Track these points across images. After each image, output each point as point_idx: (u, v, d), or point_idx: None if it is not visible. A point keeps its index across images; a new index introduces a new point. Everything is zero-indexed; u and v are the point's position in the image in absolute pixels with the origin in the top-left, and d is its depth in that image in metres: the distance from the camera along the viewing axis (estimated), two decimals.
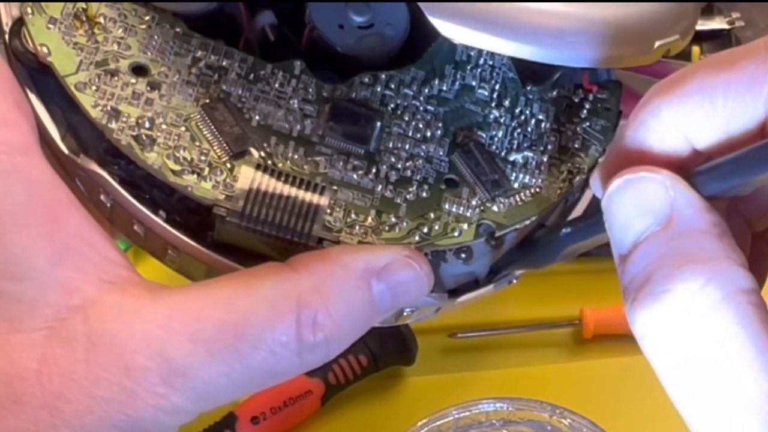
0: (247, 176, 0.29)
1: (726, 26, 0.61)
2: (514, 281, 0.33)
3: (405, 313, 0.31)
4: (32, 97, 0.30)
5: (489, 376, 0.54)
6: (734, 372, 0.22)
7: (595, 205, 0.32)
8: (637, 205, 0.24)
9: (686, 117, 0.25)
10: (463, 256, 0.32)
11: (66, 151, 0.29)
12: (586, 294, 0.54)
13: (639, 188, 0.24)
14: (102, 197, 0.30)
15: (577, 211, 0.35)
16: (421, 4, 0.28)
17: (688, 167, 0.25)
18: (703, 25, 0.61)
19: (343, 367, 0.51)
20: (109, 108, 0.29)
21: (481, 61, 0.34)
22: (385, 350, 0.52)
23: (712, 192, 0.24)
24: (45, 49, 0.29)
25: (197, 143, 0.29)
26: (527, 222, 0.31)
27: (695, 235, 0.23)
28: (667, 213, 0.24)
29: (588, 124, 0.33)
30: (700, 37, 0.61)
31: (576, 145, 0.33)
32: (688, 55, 0.60)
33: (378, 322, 0.30)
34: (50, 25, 0.30)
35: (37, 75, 0.30)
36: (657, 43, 0.30)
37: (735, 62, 0.24)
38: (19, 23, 0.30)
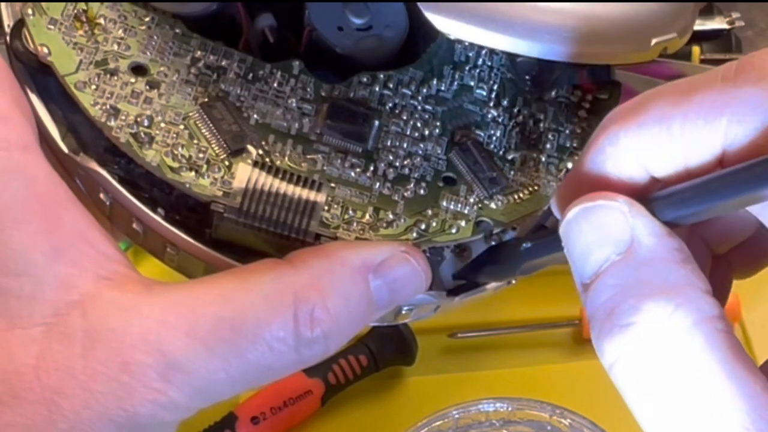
0: (244, 173, 0.29)
1: (726, 26, 0.61)
2: (514, 281, 0.33)
3: (404, 311, 0.31)
4: (33, 96, 0.30)
5: (489, 376, 0.54)
6: (706, 401, 0.22)
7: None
8: (596, 234, 0.24)
9: (643, 146, 0.24)
10: (462, 255, 0.32)
11: (66, 150, 0.29)
12: None
13: (597, 216, 0.24)
14: (101, 196, 0.30)
15: None
16: (420, 4, 0.28)
17: (646, 194, 0.24)
18: (703, 25, 0.61)
19: (343, 367, 0.51)
20: (108, 107, 0.29)
21: (480, 61, 0.34)
22: (385, 350, 0.52)
23: (669, 218, 0.23)
24: (45, 49, 0.30)
25: (195, 141, 0.29)
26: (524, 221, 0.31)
27: (657, 262, 0.23)
28: (627, 241, 0.23)
29: (586, 123, 0.33)
30: (700, 37, 0.61)
31: (575, 144, 0.33)
32: (688, 55, 0.60)
33: (377, 320, 0.30)
34: (51, 26, 0.30)
35: (38, 75, 0.30)
36: (654, 41, 0.30)
37: (692, 93, 0.23)
38: (20, 24, 0.30)
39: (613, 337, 0.23)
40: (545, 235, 0.27)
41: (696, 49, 0.61)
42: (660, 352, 0.22)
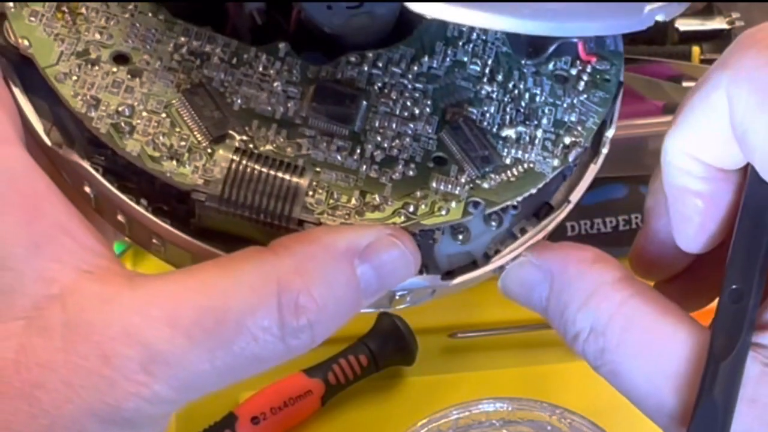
0: (225, 160, 0.28)
1: (726, 26, 0.61)
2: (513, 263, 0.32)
3: (398, 297, 0.30)
4: (17, 91, 0.30)
5: (489, 376, 0.54)
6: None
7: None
8: (520, 287, 0.31)
9: None
10: (460, 237, 0.31)
11: (49, 143, 0.29)
12: None
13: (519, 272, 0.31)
14: (86, 188, 0.29)
15: (583, 186, 0.33)
16: None
17: None
18: (703, 25, 0.61)
19: (343, 367, 0.51)
20: (89, 97, 0.29)
21: (474, 36, 0.33)
22: (385, 350, 0.52)
23: None
24: (26, 42, 0.29)
25: (177, 129, 0.29)
26: (519, 198, 0.30)
27: (571, 282, 0.29)
28: (547, 280, 0.30)
29: (586, 96, 0.32)
30: (700, 37, 0.61)
31: (572, 119, 0.32)
32: (689, 55, 0.60)
33: (371, 306, 0.30)
34: (32, 18, 0.30)
35: (23, 69, 0.30)
36: (647, 8, 0.29)
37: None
38: (1, 18, 0.30)
39: (573, 344, 0.29)
40: None
41: (696, 49, 0.61)
42: (600, 337, 0.28)
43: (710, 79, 0.27)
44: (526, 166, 0.30)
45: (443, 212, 0.29)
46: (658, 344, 0.28)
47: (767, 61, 0.26)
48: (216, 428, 0.49)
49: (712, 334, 0.27)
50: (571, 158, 0.31)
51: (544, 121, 0.31)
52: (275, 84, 0.30)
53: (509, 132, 0.31)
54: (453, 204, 0.29)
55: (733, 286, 0.27)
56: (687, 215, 0.30)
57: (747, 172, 0.28)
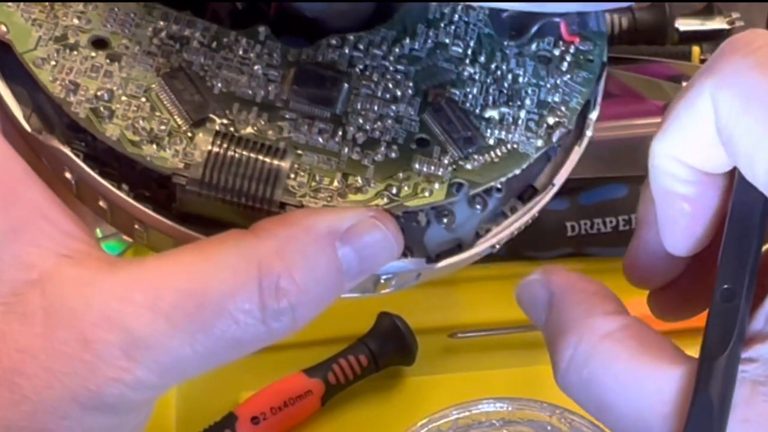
0: (206, 144, 0.28)
1: (726, 26, 0.61)
2: (498, 246, 0.32)
3: (383, 280, 0.30)
4: None
5: (489, 376, 0.53)
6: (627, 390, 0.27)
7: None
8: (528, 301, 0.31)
9: None
10: (445, 220, 0.31)
11: (29, 129, 0.29)
12: None
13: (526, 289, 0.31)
14: (67, 174, 0.29)
15: (568, 169, 0.33)
16: None
17: None
18: (703, 25, 0.61)
19: (343, 367, 0.51)
20: (67, 82, 0.29)
21: (456, 18, 0.32)
22: (385, 350, 0.52)
23: None
24: (3, 27, 0.29)
25: (157, 113, 0.29)
26: (503, 179, 0.30)
27: (566, 308, 0.29)
28: (547, 300, 0.30)
29: (569, 76, 0.32)
30: (700, 37, 0.61)
31: (556, 99, 0.31)
32: (689, 55, 0.60)
33: (352, 290, 0.29)
34: (9, 4, 0.29)
35: (1, 55, 0.30)
36: None
37: None
38: None
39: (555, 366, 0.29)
40: None
41: (696, 49, 0.61)
42: (580, 377, 0.28)
43: (695, 85, 0.28)
44: (509, 146, 0.30)
45: (426, 194, 0.29)
46: (643, 377, 0.27)
47: (750, 66, 0.27)
48: (216, 428, 0.49)
49: (705, 334, 0.27)
50: (554, 138, 0.31)
51: (528, 101, 0.31)
52: (255, 67, 0.30)
53: (492, 113, 0.31)
54: (436, 185, 0.29)
55: (725, 286, 0.27)
56: (674, 218, 0.30)
57: (734, 175, 0.28)
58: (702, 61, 0.60)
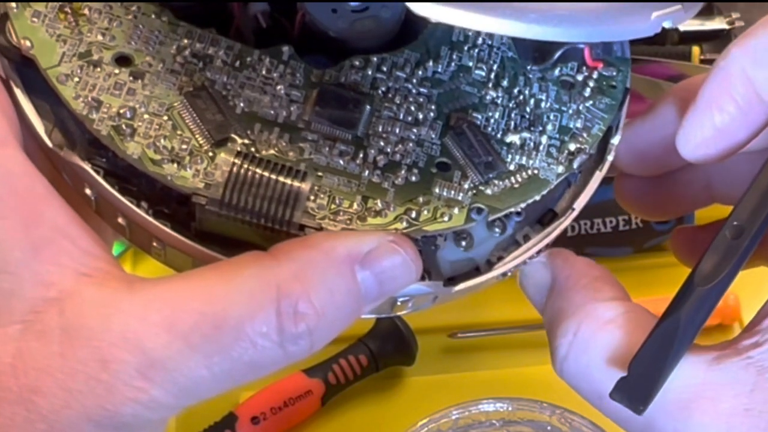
0: (227, 164, 0.28)
1: (726, 26, 0.61)
2: (509, 274, 0.32)
3: (399, 302, 0.30)
4: (18, 92, 0.29)
5: (489, 376, 0.53)
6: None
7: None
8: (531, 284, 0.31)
9: (751, 59, 0.29)
10: (463, 243, 0.31)
11: (50, 145, 0.29)
12: None
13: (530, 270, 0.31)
14: (87, 191, 0.29)
15: (588, 194, 0.33)
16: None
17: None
18: (703, 25, 0.60)
19: (343, 367, 0.51)
20: (90, 99, 0.29)
21: (479, 41, 0.32)
22: (385, 350, 0.52)
23: None
24: (28, 43, 0.29)
25: (179, 132, 0.29)
26: (523, 205, 0.30)
27: (567, 292, 0.29)
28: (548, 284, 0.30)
29: (592, 102, 0.32)
30: (700, 37, 0.61)
31: (578, 125, 0.31)
32: (689, 55, 0.59)
33: (372, 312, 0.29)
34: (34, 19, 0.30)
35: (24, 70, 0.30)
36: (655, 14, 0.28)
37: None
38: (4, 18, 0.30)
39: (554, 352, 0.29)
40: None
41: (696, 49, 0.60)
42: (582, 356, 0.28)
43: None
44: (530, 172, 0.30)
45: (446, 218, 0.29)
46: None
47: None
48: (216, 428, 0.49)
49: (698, 261, 0.27)
50: (575, 165, 0.31)
51: (549, 127, 0.31)
52: (278, 87, 0.30)
53: (514, 138, 0.31)
54: (456, 210, 0.29)
55: (735, 223, 0.27)
56: (706, 122, 0.29)
57: None
58: (702, 62, 0.60)
